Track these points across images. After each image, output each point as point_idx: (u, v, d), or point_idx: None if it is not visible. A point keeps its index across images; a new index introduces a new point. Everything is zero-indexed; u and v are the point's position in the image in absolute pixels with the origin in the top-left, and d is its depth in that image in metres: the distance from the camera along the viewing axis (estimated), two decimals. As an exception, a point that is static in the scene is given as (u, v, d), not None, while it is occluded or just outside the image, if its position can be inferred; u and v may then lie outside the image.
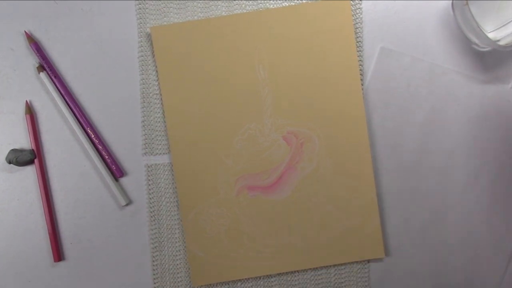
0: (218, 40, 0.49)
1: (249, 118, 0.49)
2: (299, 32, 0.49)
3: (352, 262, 0.50)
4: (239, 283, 0.50)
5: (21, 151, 0.49)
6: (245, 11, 0.50)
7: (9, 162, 0.48)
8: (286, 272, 0.50)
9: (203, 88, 0.49)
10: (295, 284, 0.50)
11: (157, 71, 0.49)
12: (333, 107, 0.49)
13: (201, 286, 0.50)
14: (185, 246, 0.50)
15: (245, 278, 0.50)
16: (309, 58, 0.49)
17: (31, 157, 0.49)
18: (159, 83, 0.49)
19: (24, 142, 0.49)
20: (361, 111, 0.49)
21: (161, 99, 0.49)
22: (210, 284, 0.50)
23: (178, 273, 0.50)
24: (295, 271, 0.50)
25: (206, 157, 0.49)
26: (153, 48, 0.49)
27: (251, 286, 0.50)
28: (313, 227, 0.49)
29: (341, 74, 0.49)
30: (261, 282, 0.50)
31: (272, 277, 0.50)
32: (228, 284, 0.50)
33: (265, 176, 0.49)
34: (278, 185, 0.49)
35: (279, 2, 0.50)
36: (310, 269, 0.50)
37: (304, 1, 0.49)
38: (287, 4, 0.50)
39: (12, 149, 0.49)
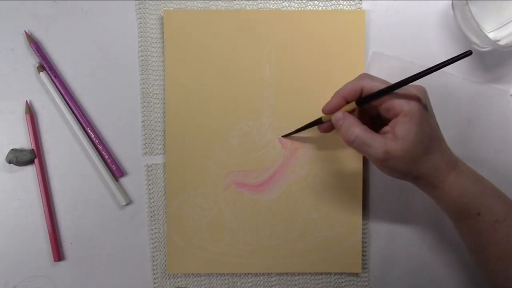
0: (229, 33, 0.48)
1: (248, 115, 0.49)
2: (311, 38, 0.49)
3: None
4: (238, 279, 0.50)
5: (21, 151, 0.49)
6: (245, 11, 0.50)
7: (9, 162, 0.48)
8: (287, 273, 0.50)
9: (207, 78, 0.49)
10: (295, 284, 0.50)
11: (163, 56, 0.49)
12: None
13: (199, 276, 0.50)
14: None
15: (245, 274, 0.50)
16: (316, 65, 0.49)
17: (31, 157, 0.49)
18: (164, 66, 0.49)
19: (24, 142, 0.49)
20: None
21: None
22: (210, 277, 0.50)
23: (178, 273, 0.50)
24: (295, 272, 0.50)
25: (200, 147, 0.49)
26: (163, 31, 0.49)
27: (251, 283, 0.50)
28: (295, 233, 0.49)
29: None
30: (261, 282, 0.50)
31: (272, 276, 0.50)
32: (228, 278, 0.50)
33: (256, 174, 0.49)
34: (266, 185, 0.49)
35: (279, 2, 0.50)
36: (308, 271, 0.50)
37: (315, 1, 0.49)
38: (287, 4, 0.50)
39: (12, 149, 0.49)
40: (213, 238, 0.49)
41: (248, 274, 0.50)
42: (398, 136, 0.39)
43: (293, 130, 0.48)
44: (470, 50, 0.36)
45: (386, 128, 0.40)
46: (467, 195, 0.40)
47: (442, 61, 0.37)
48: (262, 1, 0.50)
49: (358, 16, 0.49)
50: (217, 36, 0.49)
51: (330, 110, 0.43)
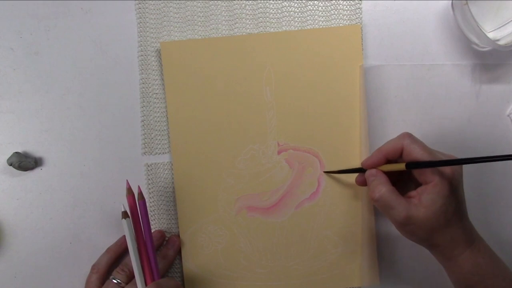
0: (227, 60, 0.49)
1: (253, 139, 0.49)
2: (309, 57, 0.49)
3: None
4: None
5: (25, 156, 0.48)
6: (245, 10, 0.50)
7: (10, 164, 0.48)
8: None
9: (209, 106, 0.49)
10: None
11: (164, 87, 0.49)
12: (338, 133, 0.49)
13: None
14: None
15: None
16: (316, 83, 0.49)
17: (34, 165, 0.49)
18: (165, 99, 0.49)
19: (23, 142, 0.49)
20: (365, 138, 0.49)
21: (166, 113, 0.49)
22: None
23: (176, 272, 0.50)
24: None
25: (208, 175, 0.49)
26: (161, 63, 0.49)
27: None
28: (310, 251, 0.49)
29: (347, 100, 0.49)
30: None
31: None
32: None
33: (266, 197, 0.49)
34: (277, 207, 0.49)
35: (279, 2, 0.50)
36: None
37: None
38: (287, 4, 0.50)
39: (16, 152, 0.48)
40: (229, 264, 0.49)
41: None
42: (423, 204, 0.40)
43: (336, 170, 0.48)
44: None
45: (413, 193, 0.41)
46: (478, 273, 0.40)
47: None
48: (262, 1, 0.50)
49: (354, 31, 0.49)
50: (215, 63, 0.49)
51: (368, 166, 0.44)
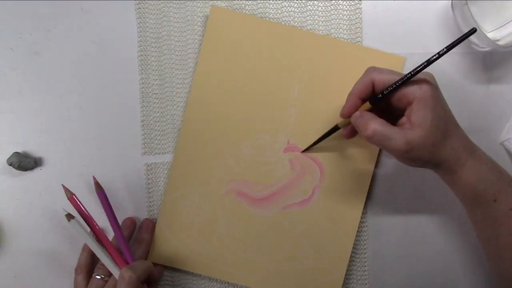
0: (269, 45, 0.49)
1: (266, 129, 0.49)
2: (346, 70, 0.48)
3: None
4: (215, 284, 0.50)
5: (25, 156, 0.48)
6: (245, 11, 0.50)
7: (10, 164, 0.48)
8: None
9: (235, 82, 0.49)
10: None
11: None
12: (346, 152, 0.48)
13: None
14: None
15: (222, 282, 0.50)
16: (343, 97, 0.47)
17: (34, 165, 0.49)
18: (197, 61, 0.49)
19: (22, 142, 0.49)
20: (371, 167, 0.49)
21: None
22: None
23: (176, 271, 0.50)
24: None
25: (211, 148, 0.49)
26: (205, 26, 0.49)
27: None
28: (282, 254, 0.49)
29: None
30: None
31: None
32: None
33: (259, 188, 0.49)
34: (266, 201, 0.49)
35: (279, 2, 0.50)
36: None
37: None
38: (287, 4, 0.50)
39: (16, 152, 0.48)
40: (201, 239, 0.49)
41: (226, 282, 0.50)
42: (415, 124, 0.39)
43: (311, 143, 0.48)
44: (474, 28, 0.36)
45: (403, 120, 0.40)
46: (484, 180, 0.40)
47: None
48: (262, 1, 0.50)
49: (398, 61, 0.48)
50: (256, 43, 0.49)
51: (347, 113, 0.42)
